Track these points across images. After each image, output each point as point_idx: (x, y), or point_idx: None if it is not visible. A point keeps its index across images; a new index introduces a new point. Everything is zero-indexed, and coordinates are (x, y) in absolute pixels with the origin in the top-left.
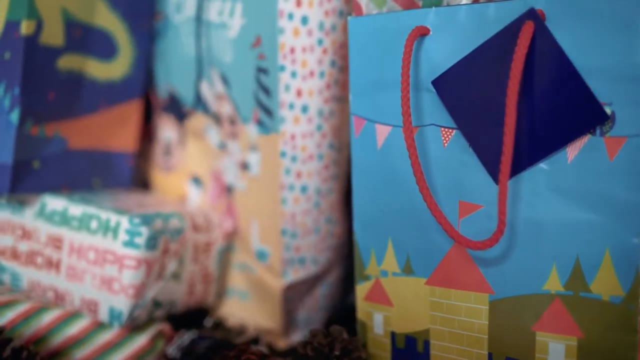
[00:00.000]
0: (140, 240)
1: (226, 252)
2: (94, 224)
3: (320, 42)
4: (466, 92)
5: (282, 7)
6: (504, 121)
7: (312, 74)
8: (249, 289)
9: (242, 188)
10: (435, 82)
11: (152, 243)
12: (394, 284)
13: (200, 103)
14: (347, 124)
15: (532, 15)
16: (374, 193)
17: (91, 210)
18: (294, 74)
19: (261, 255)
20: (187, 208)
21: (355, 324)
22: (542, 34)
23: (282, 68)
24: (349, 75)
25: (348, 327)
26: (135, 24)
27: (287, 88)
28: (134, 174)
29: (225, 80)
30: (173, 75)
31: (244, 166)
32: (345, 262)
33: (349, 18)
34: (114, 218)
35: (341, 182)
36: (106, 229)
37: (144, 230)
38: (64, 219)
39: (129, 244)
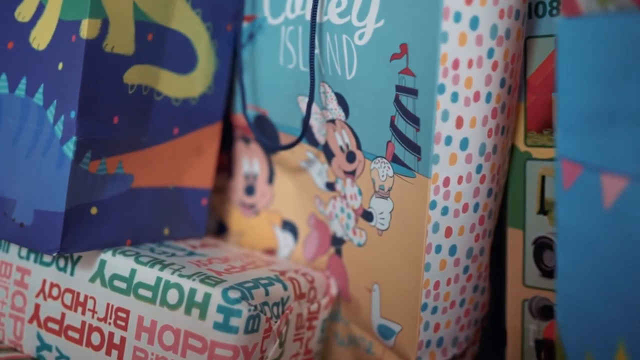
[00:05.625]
0: (238, 323)
1: (329, 323)
2: (172, 296)
3: (490, 53)
4: None
5: (448, 4)
6: None
7: (477, 96)
8: None
9: (357, 243)
10: None
11: (252, 325)
12: None
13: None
14: (506, 162)
15: None
16: (594, 272)
17: (168, 276)
18: (454, 97)
19: (385, 333)
20: (288, 268)
21: None
22: None
23: (442, 89)
24: (557, 101)
25: None
26: (218, 27)
27: (445, 115)
28: (209, 215)
29: (342, 102)
30: (264, 93)
31: (365, 216)
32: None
33: (559, 20)
34: (201, 289)
35: (491, 239)
36: (190, 303)
37: (244, 309)
38: (130, 287)
39: (223, 327)
